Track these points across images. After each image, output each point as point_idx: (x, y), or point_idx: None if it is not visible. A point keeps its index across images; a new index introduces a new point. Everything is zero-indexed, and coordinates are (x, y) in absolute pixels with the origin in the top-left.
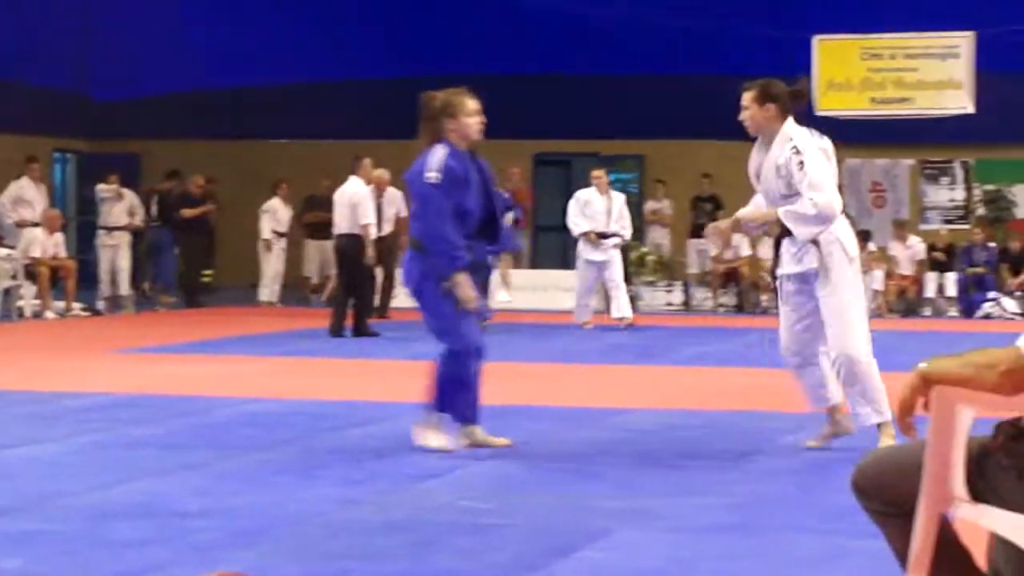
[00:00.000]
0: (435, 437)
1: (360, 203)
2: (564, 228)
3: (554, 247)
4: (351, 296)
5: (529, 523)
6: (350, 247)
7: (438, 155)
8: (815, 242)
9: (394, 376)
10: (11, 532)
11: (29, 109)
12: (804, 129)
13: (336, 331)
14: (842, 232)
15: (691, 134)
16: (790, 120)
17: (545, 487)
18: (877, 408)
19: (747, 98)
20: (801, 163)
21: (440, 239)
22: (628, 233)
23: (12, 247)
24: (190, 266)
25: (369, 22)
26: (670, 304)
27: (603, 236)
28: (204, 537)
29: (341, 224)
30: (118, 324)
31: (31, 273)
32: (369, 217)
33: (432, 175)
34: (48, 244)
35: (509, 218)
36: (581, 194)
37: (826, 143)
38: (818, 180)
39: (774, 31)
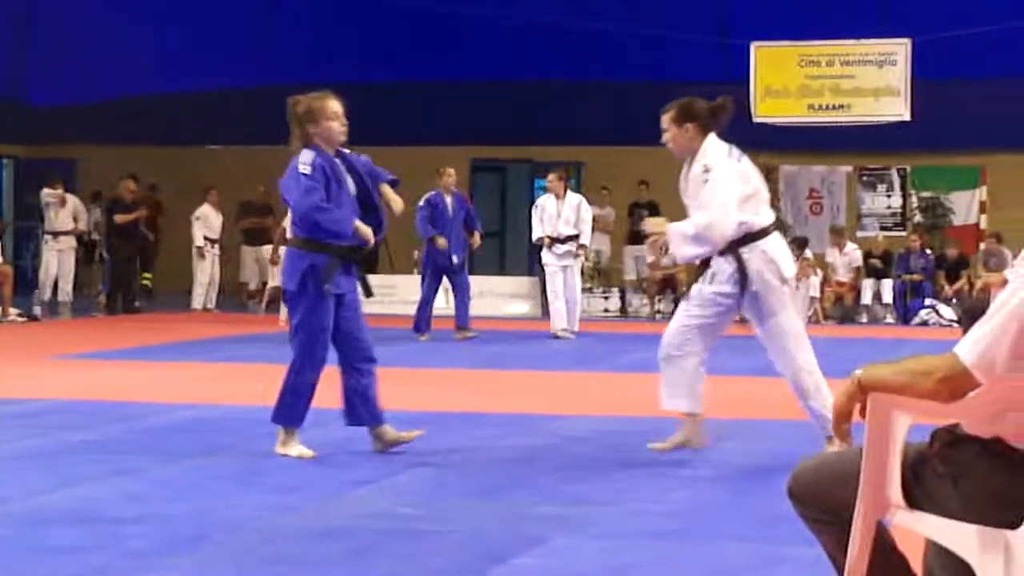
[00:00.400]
0: (294, 448)
1: None
2: (500, 234)
3: (490, 253)
4: None
5: (465, 530)
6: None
7: (306, 156)
8: (740, 265)
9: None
10: None
11: None
12: (725, 147)
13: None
14: (777, 252)
15: (629, 141)
16: (711, 137)
17: (482, 494)
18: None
19: (665, 120)
20: (706, 181)
21: (322, 211)
22: (586, 235)
23: None
24: (122, 272)
25: (302, 26)
26: (607, 311)
27: (557, 240)
28: (139, 544)
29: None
30: (55, 330)
31: None
32: None
33: (304, 167)
34: None
35: (476, 239)
36: (539, 200)
37: (744, 164)
38: (708, 200)
39: (712, 37)
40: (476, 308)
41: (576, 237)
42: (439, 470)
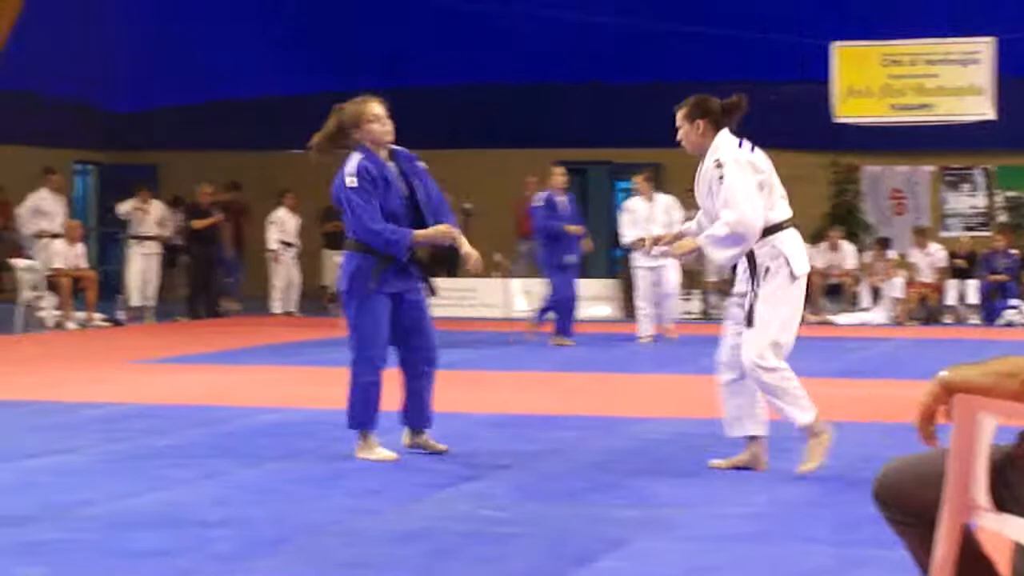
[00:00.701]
0: (373, 451)
1: None
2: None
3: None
4: None
5: (546, 532)
6: None
7: (353, 161)
8: (751, 260)
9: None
10: (33, 541)
11: (50, 122)
12: (734, 140)
13: None
14: (789, 247)
15: None
16: (722, 132)
17: (563, 496)
18: (804, 409)
19: (679, 116)
20: (720, 177)
21: (374, 234)
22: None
23: (32, 258)
24: (199, 277)
25: (377, 32)
26: (688, 313)
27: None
28: (223, 547)
29: None
30: (138, 334)
31: (53, 284)
32: None
33: (350, 179)
34: (69, 255)
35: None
36: (627, 203)
37: (757, 155)
38: (731, 196)
39: (793, 38)
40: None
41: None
42: (520, 473)
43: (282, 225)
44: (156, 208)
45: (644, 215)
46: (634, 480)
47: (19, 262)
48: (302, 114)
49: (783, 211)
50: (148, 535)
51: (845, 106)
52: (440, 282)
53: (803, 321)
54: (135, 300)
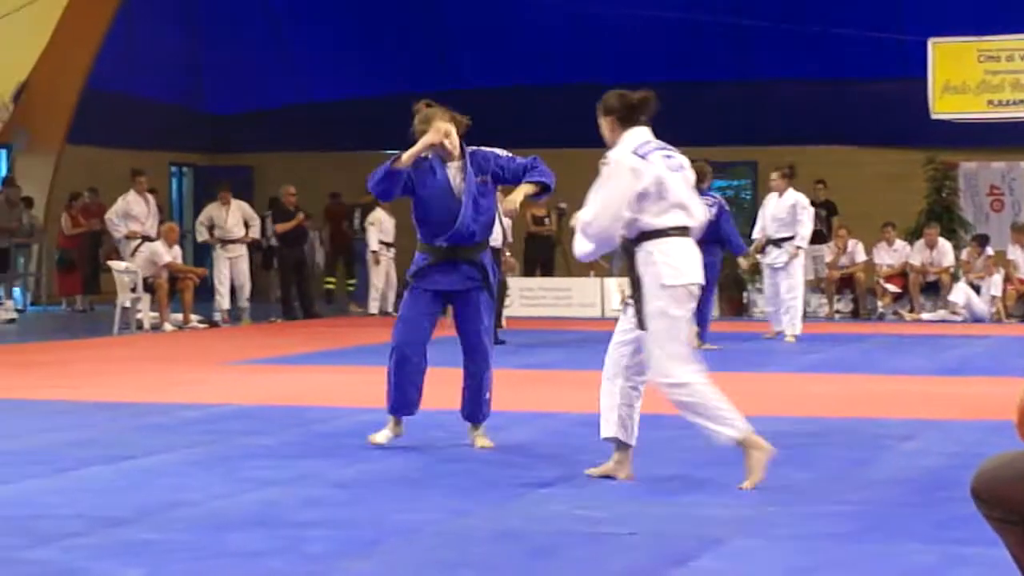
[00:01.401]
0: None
1: None
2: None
3: None
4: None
5: (644, 532)
6: None
7: None
8: (631, 266)
9: (506, 385)
10: (132, 542)
11: (146, 124)
12: (640, 140)
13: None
14: (663, 256)
15: (805, 140)
16: (632, 130)
17: (660, 496)
18: (727, 424)
19: (597, 111)
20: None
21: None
22: (800, 236)
23: (125, 261)
24: (288, 278)
25: (472, 33)
26: (838, 312)
27: (772, 242)
28: (318, 547)
29: None
30: (235, 336)
31: (149, 286)
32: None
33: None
34: (167, 257)
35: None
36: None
37: (653, 161)
38: (592, 196)
39: (888, 34)
40: None
41: (791, 238)
42: None
43: (381, 226)
44: (236, 210)
45: (771, 212)
46: (731, 479)
47: (117, 264)
48: (396, 114)
49: (673, 219)
50: (244, 536)
51: (942, 102)
52: (536, 282)
53: (900, 318)
54: (222, 302)
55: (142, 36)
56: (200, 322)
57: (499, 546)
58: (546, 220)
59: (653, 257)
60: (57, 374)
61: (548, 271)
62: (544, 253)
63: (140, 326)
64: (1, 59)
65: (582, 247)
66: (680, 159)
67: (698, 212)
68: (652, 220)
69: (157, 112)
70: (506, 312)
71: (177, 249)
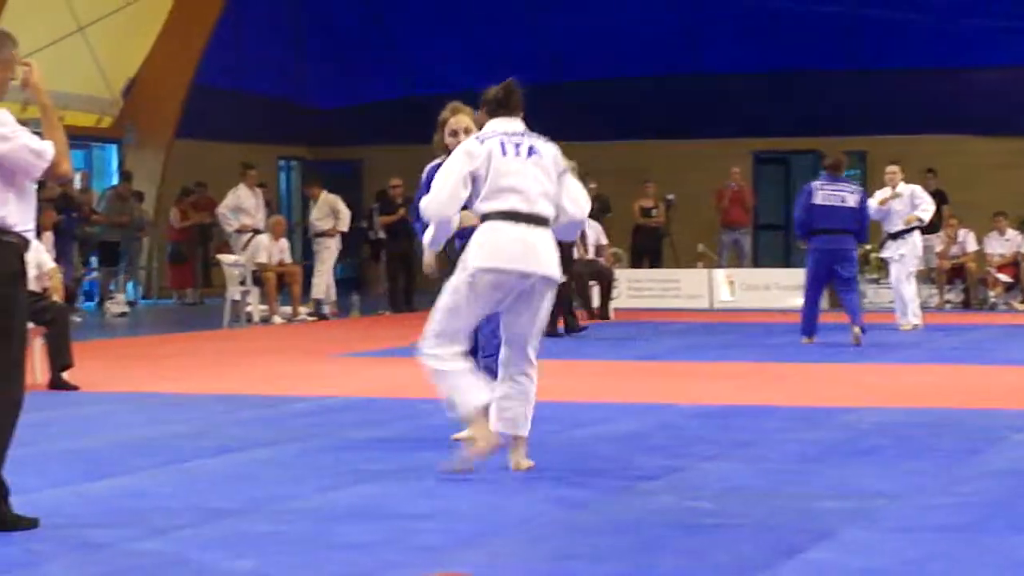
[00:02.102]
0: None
1: None
2: (784, 227)
3: (775, 246)
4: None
5: (754, 523)
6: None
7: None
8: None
9: (615, 376)
10: (243, 534)
11: (254, 119)
12: (492, 128)
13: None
14: (478, 238)
15: (914, 128)
16: (492, 120)
17: (769, 487)
18: (455, 400)
19: None
20: None
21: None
22: (917, 221)
23: (236, 254)
24: (393, 271)
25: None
26: (893, 302)
27: (890, 236)
28: (429, 539)
29: None
30: (344, 328)
31: (258, 279)
32: None
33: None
34: (274, 250)
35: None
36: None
37: (488, 146)
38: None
39: (1001, 22)
40: (762, 301)
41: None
42: (726, 464)
43: None
44: (324, 203)
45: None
46: (841, 470)
47: (226, 258)
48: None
49: (503, 204)
50: (354, 528)
51: None
52: (644, 273)
53: (1012, 308)
54: (318, 294)
55: (249, 31)
56: (309, 315)
57: (608, 537)
58: (653, 211)
59: (475, 238)
60: (168, 367)
61: (656, 262)
62: (652, 244)
63: (250, 319)
64: (111, 55)
65: (427, 232)
66: (540, 148)
67: (570, 205)
68: (482, 204)
69: (265, 106)
70: (613, 304)
71: (284, 242)
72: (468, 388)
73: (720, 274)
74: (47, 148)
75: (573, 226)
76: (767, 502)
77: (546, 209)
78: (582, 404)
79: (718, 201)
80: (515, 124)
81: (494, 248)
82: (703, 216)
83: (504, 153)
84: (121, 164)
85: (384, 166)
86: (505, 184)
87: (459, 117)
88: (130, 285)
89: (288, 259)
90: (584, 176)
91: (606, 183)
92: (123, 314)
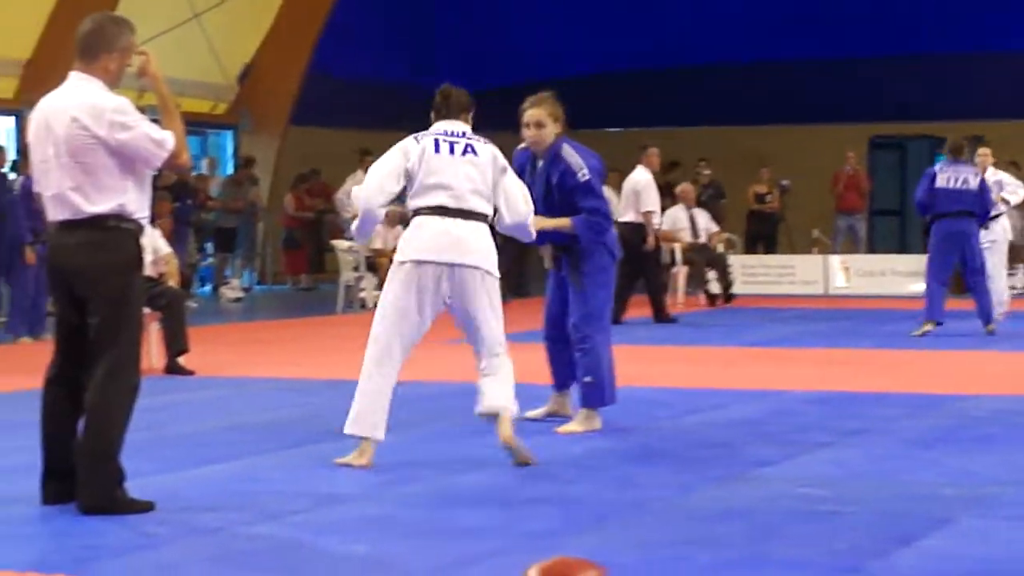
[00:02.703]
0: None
1: (643, 191)
2: (900, 212)
3: (891, 231)
4: (641, 283)
5: (869, 511)
6: (633, 235)
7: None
8: None
9: (729, 363)
10: (357, 519)
11: (369, 104)
12: (435, 128)
13: (616, 319)
14: (407, 233)
15: (994, 115)
16: (437, 123)
17: (884, 474)
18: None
19: None
20: None
21: None
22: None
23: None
24: (506, 256)
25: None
26: (1013, 288)
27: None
28: (544, 524)
29: (626, 212)
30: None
31: (372, 265)
32: (651, 205)
33: None
34: (389, 236)
35: None
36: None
37: (422, 144)
38: None
39: None
40: (878, 287)
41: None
42: (841, 451)
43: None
44: None
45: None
46: (957, 458)
47: (340, 244)
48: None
49: (431, 199)
50: (471, 512)
51: None
52: (758, 259)
53: None
54: None
55: (366, 16)
56: None
57: (723, 524)
58: (768, 197)
59: (403, 234)
60: (282, 351)
61: (771, 248)
62: (766, 230)
63: (364, 304)
64: (227, 41)
65: (355, 223)
66: (478, 149)
67: (503, 209)
68: (412, 201)
69: (380, 92)
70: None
71: (399, 229)
72: (367, 401)
73: (835, 260)
74: (167, 138)
75: (517, 227)
76: (883, 489)
77: (478, 205)
78: (696, 390)
79: (833, 186)
80: (455, 125)
81: (418, 242)
82: (818, 202)
83: (437, 151)
84: (236, 150)
85: (505, 151)
86: (434, 181)
87: (532, 111)
88: (245, 271)
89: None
90: (699, 162)
91: (721, 169)
92: (238, 300)
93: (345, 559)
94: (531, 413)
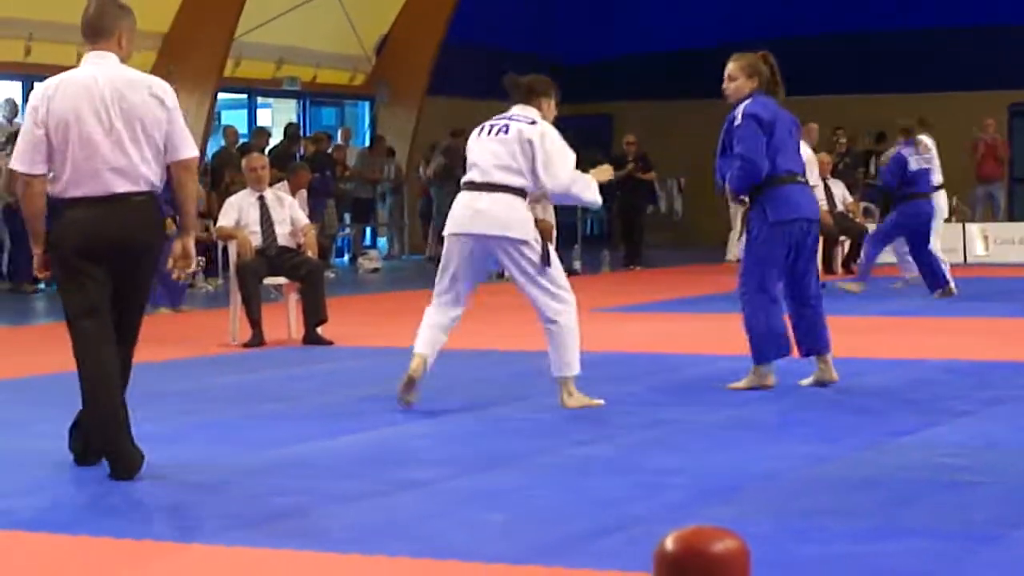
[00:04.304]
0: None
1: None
2: None
3: None
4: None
5: (1009, 482)
6: None
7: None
8: None
9: (865, 332)
10: (495, 488)
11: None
12: (503, 113)
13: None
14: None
15: None
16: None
17: (1022, 445)
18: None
19: None
20: None
21: None
22: None
23: None
24: (625, 228)
25: None
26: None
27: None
28: (678, 495)
29: None
30: (592, 284)
31: None
32: (812, 180)
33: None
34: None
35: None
36: None
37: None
38: None
39: None
40: (1017, 255)
41: None
42: (980, 420)
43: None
44: None
45: None
46: None
47: None
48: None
49: (465, 177)
50: (603, 482)
51: None
52: None
53: None
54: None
55: None
56: None
57: (859, 493)
58: None
59: None
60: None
61: None
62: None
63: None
64: (364, 13)
65: None
66: (509, 126)
67: (543, 175)
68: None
69: (516, 62)
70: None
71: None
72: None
73: (974, 228)
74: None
75: (563, 195)
76: (1021, 459)
77: (504, 178)
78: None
79: (972, 154)
80: (517, 109)
81: (451, 216)
82: (957, 170)
83: (479, 134)
84: (373, 121)
85: (634, 121)
86: (471, 161)
87: (729, 65)
88: (382, 241)
89: (540, 215)
90: (836, 130)
91: (859, 137)
92: (375, 270)
93: (484, 527)
94: (803, 382)
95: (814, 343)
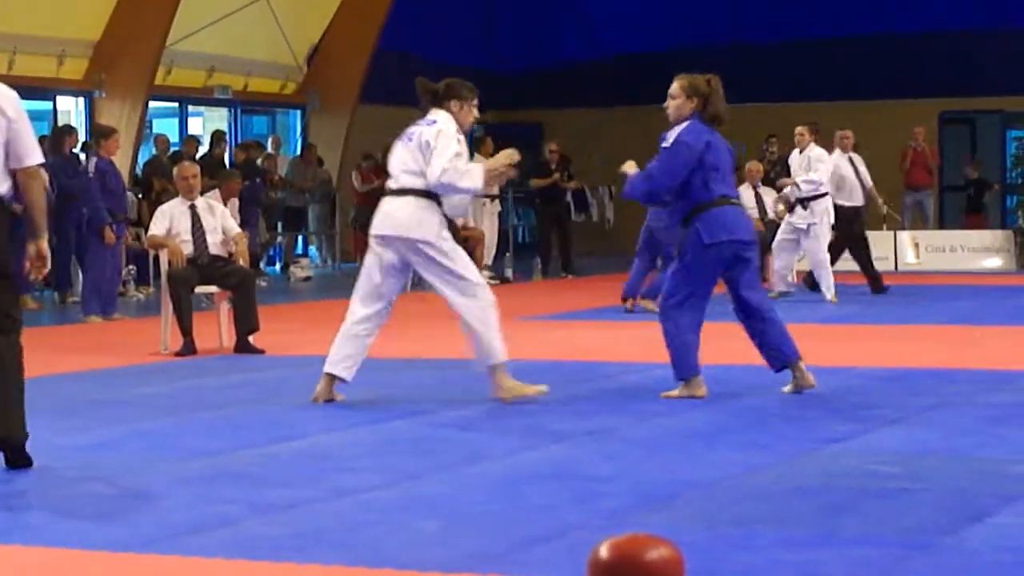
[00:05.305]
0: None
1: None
2: (967, 187)
3: (959, 207)
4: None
5: (939, 488)
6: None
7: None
8: None
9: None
10: (427, 496)
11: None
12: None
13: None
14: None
15: None
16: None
17: (954, 451)
18: None
19: None
20: None
21: None
22: None
23: None
24: (545, 236)
25: None
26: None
27: None
28: (613, 502)
29: None
30: (525, 292)
31: None
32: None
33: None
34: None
35: None
36: None
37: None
38: None
39: None
40: (946, 263)
41: None
42: (910, 427)
43: None
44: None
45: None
46: None
47: None
48: (685, 68)
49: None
50: (539, 489)
51: None
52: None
53: None
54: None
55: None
56: (491, 279)
57: (793, 501)
58: None
59: None
60: None
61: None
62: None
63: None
64: (295, 22)
65: None
66: (415, 132)
67: (428, 169)
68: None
69: (447, 72)
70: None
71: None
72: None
73: (905, 236)
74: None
75: (440, 188)
76: (953, 466)
77: (409, 181)
78: (762, 367)
79: (900, 162)
80: (430, 114)
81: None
82: (887, 178)
83: (396, 143)
84: (305, 130)
85: (564, 129)
86: (388, 169)
87: (673, 85)
88: (313, 250)
89: (472, 223)
90: (768, 138)
91: (788, 147)
92: (307, 279)
93: (418, 534)
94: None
95: (781, 355)
